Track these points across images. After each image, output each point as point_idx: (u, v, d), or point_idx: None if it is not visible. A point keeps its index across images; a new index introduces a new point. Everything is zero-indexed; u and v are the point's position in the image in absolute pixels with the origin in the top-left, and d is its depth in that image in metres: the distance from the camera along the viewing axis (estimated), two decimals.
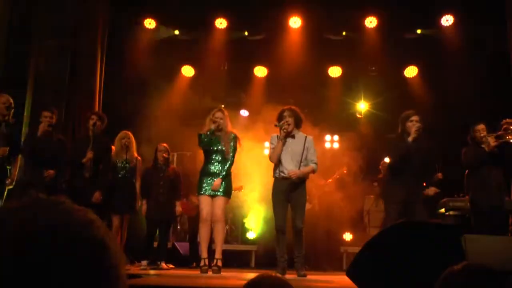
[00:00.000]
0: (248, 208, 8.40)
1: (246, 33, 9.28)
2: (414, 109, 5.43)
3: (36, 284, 0.59)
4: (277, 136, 5.47)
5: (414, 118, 5.21)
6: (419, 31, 9.03)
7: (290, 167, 5.33)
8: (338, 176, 7.95)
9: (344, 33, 9.18)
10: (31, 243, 0.60)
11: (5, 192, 5.36)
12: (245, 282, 1.28)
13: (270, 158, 5.47)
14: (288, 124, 5.36)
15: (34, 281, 0.59)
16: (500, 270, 1.28)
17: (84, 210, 0.69)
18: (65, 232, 0.63)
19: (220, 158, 5.61)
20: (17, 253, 0.59)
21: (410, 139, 5.13)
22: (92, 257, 0.63)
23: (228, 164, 5.57)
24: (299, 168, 5.33)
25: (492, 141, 5.34)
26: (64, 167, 6.08)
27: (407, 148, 5.10)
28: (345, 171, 7.92)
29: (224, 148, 5.55)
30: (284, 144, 5.38)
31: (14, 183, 5.44)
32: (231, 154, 5.56)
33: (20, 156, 5.66)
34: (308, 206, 7.55)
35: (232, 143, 5.58)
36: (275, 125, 5.51)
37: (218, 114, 5.62)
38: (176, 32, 9.34)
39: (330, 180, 7.88)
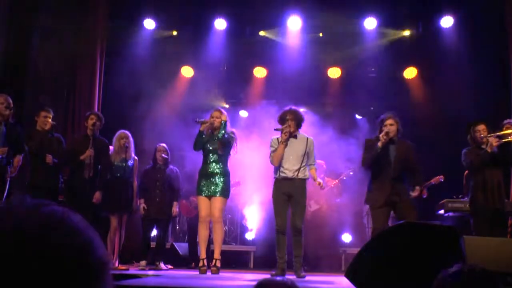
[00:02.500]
0: (247, 208, 8.38)
1: (245, 34, 9.27)
2: (391, 112, 5.30)
3: None
4: (277, 138, 5.47)
5: (388, 122, 5.13)
6: (418, 32, 9.01)
7: (291, 168, 5.35)
8: (344, 177, 7.97)
9: (341, 33, 9.16)
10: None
11: (5, 193, 5.35)
12: (243, 283, 1.27)
13: (272, 161, 5.45)
14: (289, 126, 5.37)
15: None
16: (500, 271, 1.28)
17: (66, 213, 0.65)
18: (38, 241, 0.60)
19: (216, 157, 5.61)
20: None
21: (379, 144, 5.04)
22: (66, 266, 0.60)
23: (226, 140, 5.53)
24: (299, 168, 5.35)
25: (494, 141, 5.30)
26: (63, 165, 6.10)
27: (376, 152, 5.03)
28: (351, 172, 7.93)
29: (217, 147, 5.56)
30: (285, 146, 5.39)
31: (15, 173, 5.45)
32: (226, 136, 5.51)
33: (21, 155, 5.65)
34: (315, 206, 7.57)
35: (229, 137, 5.59)
36: (275, 129, 5.50)
37: (215, 113, 5.63)
38: (175, 32, 9.32)
39: (337, 181, 7.90)
